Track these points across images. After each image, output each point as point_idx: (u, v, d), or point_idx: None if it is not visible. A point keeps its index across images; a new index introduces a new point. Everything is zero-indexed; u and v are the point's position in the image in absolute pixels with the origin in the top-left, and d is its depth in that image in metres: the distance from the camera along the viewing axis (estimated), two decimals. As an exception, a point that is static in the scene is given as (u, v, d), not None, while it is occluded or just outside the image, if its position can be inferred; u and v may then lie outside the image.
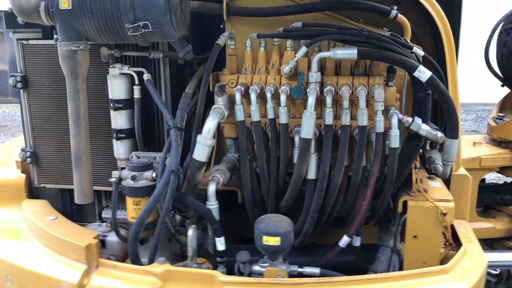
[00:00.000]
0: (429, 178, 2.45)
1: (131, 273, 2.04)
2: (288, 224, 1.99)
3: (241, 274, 2.07)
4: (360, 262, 2.28)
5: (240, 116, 2.09)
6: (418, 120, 2.05)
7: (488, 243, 3.13)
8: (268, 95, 2.06)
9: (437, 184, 2.38)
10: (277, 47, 2.24)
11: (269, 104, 2.07)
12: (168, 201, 2.01)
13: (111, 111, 2.29)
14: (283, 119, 2.05)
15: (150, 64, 2.39)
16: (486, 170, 2.95)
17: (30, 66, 2.45)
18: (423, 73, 1.95)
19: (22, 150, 2.59)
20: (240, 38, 2.27)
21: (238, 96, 2.07)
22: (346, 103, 1.99)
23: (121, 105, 2.25)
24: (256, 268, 2.04)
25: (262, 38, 2.20)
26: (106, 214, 2.56)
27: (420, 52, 2.06)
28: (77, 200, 2.27)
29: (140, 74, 2.28)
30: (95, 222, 2.64)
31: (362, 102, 1.96)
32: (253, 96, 2.06)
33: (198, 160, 2.00)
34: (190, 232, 2.05)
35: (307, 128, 1.98)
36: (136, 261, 2.11)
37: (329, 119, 2.01)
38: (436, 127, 2.22)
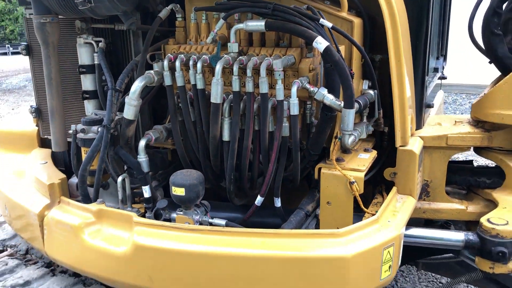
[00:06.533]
0: (365, 150, 2.49)
1: (76, 209, 2.47)
2: (195, 177, 2.23)
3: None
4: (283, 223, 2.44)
5: (167, 81, 2.36)
6: (323, 90, 2.14)
7: (468, 226, 3.00)
8: (191, 62, 2.30)
9: (365, 156, 2.42)
10: (216, 20, 2.45)
11: (191, 71, 2.31)
12: (102, 151, 2.38)
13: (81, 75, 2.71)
14: (198, 84, 2.28)
15: (119, 36, 2.75)
16: (455, 149, 2.80)
17: (32, 37, 2.96)
18: (319, 44, 2.04)
19: (31, 106, 3.14)
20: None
21: (165, 63, 2.34)
22: (249, 72, 2.15)
23: (84, 70, 2.65)
24: (173, 215, 2.33)
25: (198, 11, 2.43)
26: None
27: (327, 23, 2.13)
28: (53, 148, 2.74)
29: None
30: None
31: (262, 71, 2.11)
32: (177, 64, 2.31)
33: (126, 118, 2.33)
34: (120, 178, 2.39)
35: (215, 94, 2.19)
36: (85, 200, 2.52)
37: (235, 86, 2.20)
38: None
